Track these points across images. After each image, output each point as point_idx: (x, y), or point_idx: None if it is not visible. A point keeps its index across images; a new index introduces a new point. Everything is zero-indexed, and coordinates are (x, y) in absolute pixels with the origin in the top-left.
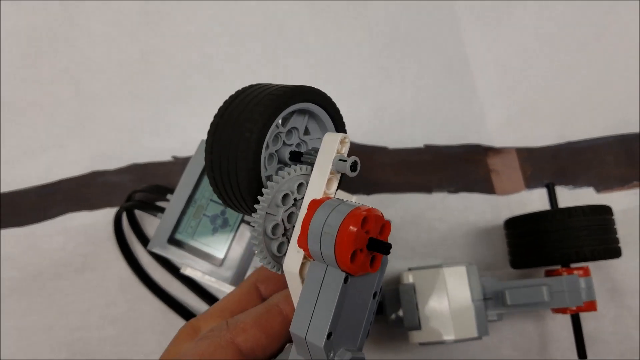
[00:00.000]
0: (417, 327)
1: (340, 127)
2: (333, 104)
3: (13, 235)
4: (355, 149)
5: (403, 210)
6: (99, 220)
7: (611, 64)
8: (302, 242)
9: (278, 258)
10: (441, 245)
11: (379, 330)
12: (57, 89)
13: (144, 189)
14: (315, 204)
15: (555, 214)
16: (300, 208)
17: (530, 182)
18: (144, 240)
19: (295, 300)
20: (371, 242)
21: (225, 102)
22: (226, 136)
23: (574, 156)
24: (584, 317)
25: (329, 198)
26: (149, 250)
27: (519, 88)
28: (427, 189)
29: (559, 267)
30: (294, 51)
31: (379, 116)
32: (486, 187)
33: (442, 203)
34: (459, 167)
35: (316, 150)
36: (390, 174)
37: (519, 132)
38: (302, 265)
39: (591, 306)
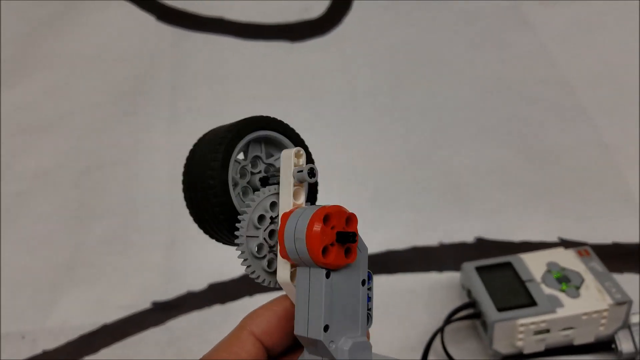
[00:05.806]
0: None
1: (296, 141)
2: (280, 124)
3: None
4: None
5: None
6: None
7: None
8: (283, 253)
9: (271, 274)
10: None
11: None
12: None
13: None
14: (285, 216)
15: None
16: (277, 224)
17: None
18: None
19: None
20: (338, 235)
21: (187, 158)
22: (193, 193)
23: None
24: None
25: (298, 207)
26: None
27: None
28: None
29: None
30: None
31: None
32: None
33: None
34: None
35: (278, 169)
36: None
37: None
38: (292, 273)
39: None
